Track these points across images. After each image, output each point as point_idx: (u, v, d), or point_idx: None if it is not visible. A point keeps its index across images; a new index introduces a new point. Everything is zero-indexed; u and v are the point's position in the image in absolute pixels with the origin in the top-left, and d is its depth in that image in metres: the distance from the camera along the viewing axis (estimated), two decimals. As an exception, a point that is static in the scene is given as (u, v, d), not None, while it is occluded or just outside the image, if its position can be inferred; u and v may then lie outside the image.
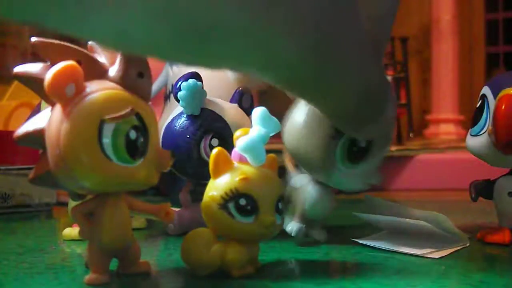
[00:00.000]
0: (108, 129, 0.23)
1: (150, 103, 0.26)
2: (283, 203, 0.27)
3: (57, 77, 0.22)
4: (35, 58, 0.24)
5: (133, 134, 0.23)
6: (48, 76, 0.22)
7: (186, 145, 0.35)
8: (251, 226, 0.26)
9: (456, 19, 1.01)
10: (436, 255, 0.30)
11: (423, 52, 1.35)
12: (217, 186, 0.26)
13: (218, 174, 0.26)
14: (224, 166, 0.26)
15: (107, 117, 0.23)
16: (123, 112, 0.23)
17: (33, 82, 0.24)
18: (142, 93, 0.25)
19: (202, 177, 0.35)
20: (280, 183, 0.27)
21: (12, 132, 0.57)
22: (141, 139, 0.24)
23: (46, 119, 0.23)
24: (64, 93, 0.22)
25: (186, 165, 0.36)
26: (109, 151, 0.23)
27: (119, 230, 0.25)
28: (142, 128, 0.24)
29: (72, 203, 0.38)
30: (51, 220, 0.49)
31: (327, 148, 0.32)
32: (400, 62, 0.86)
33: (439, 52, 1.02)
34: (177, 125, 0.36)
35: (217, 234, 0.27)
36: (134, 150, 0.23)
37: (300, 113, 0.32)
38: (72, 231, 0.36)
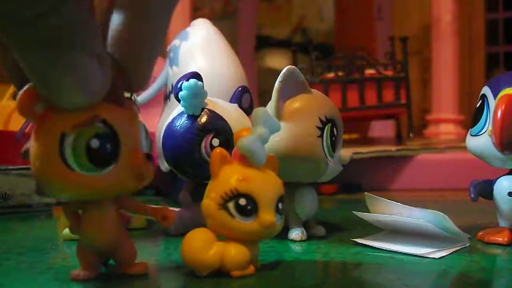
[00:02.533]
0: (68, 141, 0.22)
1: (137, 102, 0.25)
2: (283, 203, 0.27)
3: (26, 95, 0.22)
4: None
5: (95, 143, 0.23)
6: (20, 94, 0.22)
7: (187, 145, 0.35)
8: (251, 226, 0.26)
9: (456, 19, 1.01)
10: (436, 255, 0.30)
11: (423, 52, 1.35)
12: (217, 186, 0.26)
13: (218, 174, 0.26)
14: (224, 166, 0.26)
15: (67, 128, 0.22)
16: (82, 121, 0.23)
17: None
18: (112, 98, 0.23)
19: (202, 177, 0.35)
20: (280, 183, 0.27)
21: (12, 132, 0.57)
22: (108, 146, 0.23)
23: None
24: (34, 111, 0.22)
25: (187, 165, 0.36)
26: (71, 161, 0.23)
27: (101, 230, 0.25)
28: (111, 134, 0.23)
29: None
30: (51, 220, 0.49)
31: (319, 145, 0.34)
32: (400, 62, 0.86)
33: (439, 52, 1.02)
34: (177, 125, 0.36)
35: (217, 234, 0.27)
36: (97, 158, 0.23)
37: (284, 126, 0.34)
38: (72, 231, 0.36)
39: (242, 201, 0.25)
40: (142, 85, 0.24)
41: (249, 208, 0.25)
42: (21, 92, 0.22)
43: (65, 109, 0.22)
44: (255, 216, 0.26)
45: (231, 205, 0.25)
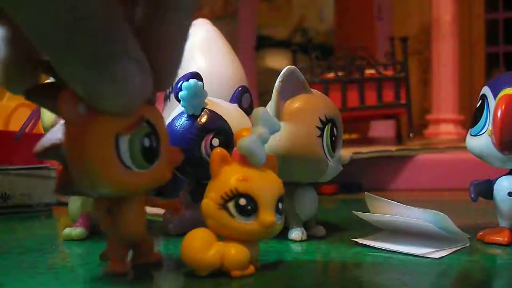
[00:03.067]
0: (123, 142, 0.24)
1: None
2: (283, 203, 0.27)
3: (68, 96, 0.22)
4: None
5: (146, 142, 0.25)
6: (60, 95, 0.22)
7: (187, 145, 0.35)
8: (251, 226, 0.26)
9: (456, 19, 1.01)
10: (436, 255, 0.30)
11: (423, 52, 1.35)
12: (217, 186, 0.26)
13: (218, 174, 0.26)
14: (224, 166, 0.26)
15: (121, 130, 0.24)
16: (134, 122, 0.24)
17: (45, 101, 0.25)
18: (148, 100, 0.25)
19: (202, 177, 0.35)
20: (280, 183, 0.27)
21: (12, 132, 0.57)
22: (155, 144, 0.25)
23: (61, 133, 0.24)
24: (77, 111, 0.23)
25: (187, 165, 0.36)
26: (128, 161, 0.24)
27: (136, 223, 0.27)
28: (154, 133, 0.25)
29: (73, 203, 0.38)
30: (51, 220, 0.49)
31: (319, 145, 0.34)
32: (400, 62, 0.86)
33: (439, 52, 1.02)
34: (177, 125, 0.36)
35: (217, 234, 0.27)
36: (149, 156, 0.25)
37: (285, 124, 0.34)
38: (72, 231, 0.36)
39: (242, 201, 0.25)
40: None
41: (249, 208, 0.25)
42: (63, 93, 0.22)
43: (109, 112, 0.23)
44: (255, 216, 0.26)
45: (231, 205, 0.25)
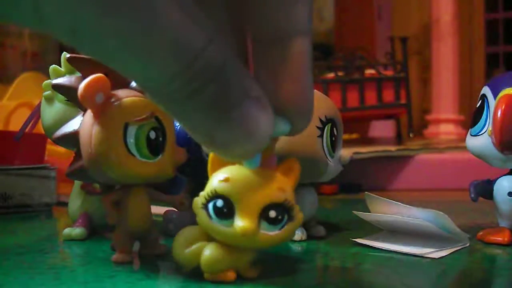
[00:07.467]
0: (131, 131, 0.27)
1: None
2: (280, 212, 0.24)
3: (88, 87, 0.26)
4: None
5: (152, 134, 0.28)
6: (81, 86, 0.26)
7: (187, 145, 0.35)
8: (228, 230, 0.24)
9: (456, 19, 1.01)
10: (436, 255, 0.30)
11: (423, 52, 1.35)
12: (206, 186, 0.25)
13: (212, 174, 0.26)
14: (219, 166, 0.25)
15: (130, 120, 0.27)
16: (143, 116, 0.27)
17: (68, 92, 0.29)
18: None
19: (202, 177, 0.35)
20: (272, 190, 0.24)
21: (12, 132, 0.57)
22: (160, 138, 0.28)
23: (79, 123, 0.28)
24: (94, 101, 0.26)
25: (186, 165, 0.36)
26: (133, 149, 0.27)
27: (141, 216, 0.29)
28: (161, 129, 0.28)
29: (72, 203, 0.38)
30: (51, 220, 0.49)
31: (319, 145, 0.34)
32: (400, 62, 0.86)
33: (439, 52, 1.02)
34: (177, 125, 0.35)
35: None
36: (154, 147, 0.28)
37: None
38: (72, 231, 0.36)
39: (219, 203, 0.24)
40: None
41: (225, 211, 0.24)
42: (84, 82, 0.26)
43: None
44: (232, 221, 0.24)
45: (210, 205, 0.24)
